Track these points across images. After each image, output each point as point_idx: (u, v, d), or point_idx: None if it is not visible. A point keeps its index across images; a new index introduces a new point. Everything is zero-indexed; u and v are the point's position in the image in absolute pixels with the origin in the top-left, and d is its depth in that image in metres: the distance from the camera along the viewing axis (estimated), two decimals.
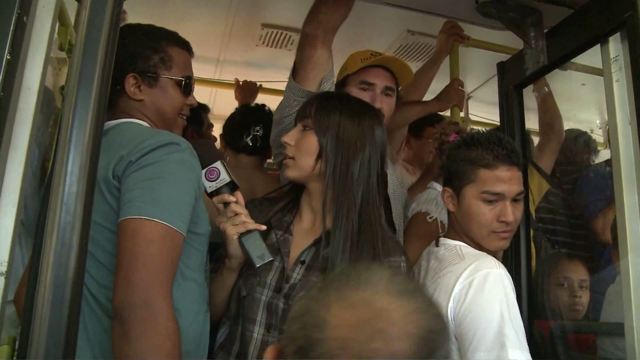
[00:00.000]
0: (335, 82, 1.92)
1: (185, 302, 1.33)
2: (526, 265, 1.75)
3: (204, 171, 1.39)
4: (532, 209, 2.41)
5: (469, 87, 3.56)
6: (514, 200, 1.53)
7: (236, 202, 1.40)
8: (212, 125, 3.06)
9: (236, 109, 2.73)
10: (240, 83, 3.30)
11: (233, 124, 2.56)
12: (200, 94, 3.37)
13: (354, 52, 2.07)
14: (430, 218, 1.94)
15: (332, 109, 1.54)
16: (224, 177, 1.40)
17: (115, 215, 1.22)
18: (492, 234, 1.52)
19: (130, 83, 1.41)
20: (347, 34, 2.09)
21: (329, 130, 1.50)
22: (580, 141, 2.74)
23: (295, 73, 1.77)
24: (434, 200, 1.93)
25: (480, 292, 1.37)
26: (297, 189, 1.61)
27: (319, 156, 1.49)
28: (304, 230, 1.55)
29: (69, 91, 0.84)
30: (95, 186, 1.24)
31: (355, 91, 1.94)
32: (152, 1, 2.67)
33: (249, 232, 1.37)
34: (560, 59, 1.62)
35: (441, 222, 1.88)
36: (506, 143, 1.52)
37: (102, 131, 0.88)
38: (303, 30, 1.74)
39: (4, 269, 0.81)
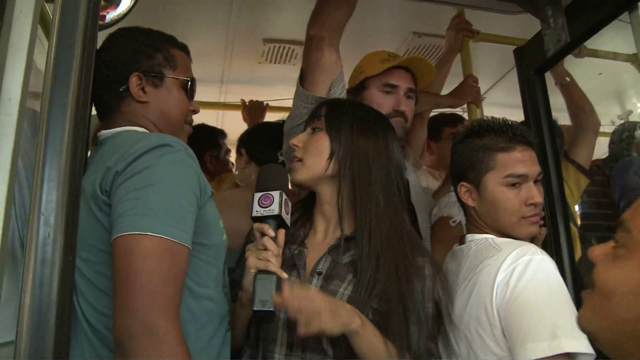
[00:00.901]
0: (346, 86, 1.83)
1: (197, 324, 1.21)
2: (570, 264, 1.61)
3: (259, 194, 1.30)
4: (571, 205, 2.29)
5: (482, 89, 3.47)
6: (536, 181, 1.44)
7: (271, 238, 1.28)
8: (229, 150, 2.99)
9: (263, 123, 2.62)
10: (247, 103, 3.23)
11: (261, 137, 2.40)
12: (207, 117, 3.31)
13: (369, 53, 1.99)
14: (454, 222, 1.83)
15: (344, 110, 1.49)
16: (273, 209, 1.28)
17: (108, 234, 1.10)
18: (523, 219, 1.42)
19: (134, 83, 1.32)
20: (352, 41, 2.03)
21: (342, 130, 1.43)
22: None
23: (303, 79, 1.69)
24: (456, 202, 1.81)
25: (524, 280, 1.26)
26: (308, 202, 1.53)
27: (330, 157, 1.41)
28: (318, 242, 1.46)
29: (44, 90, 0.74)
30: (85, 203, 1.17)
31: (377, 94, 1.86)
32: (148, 22, 2.60)
33: (267, 272, 1.25)
34: (584, 34, 1.50)
35: (467, 224, 1.76)
36: (516, 124, 1.46)
37: (84, 132, 0.78)
38: (307, 34, 1.66)
39: None
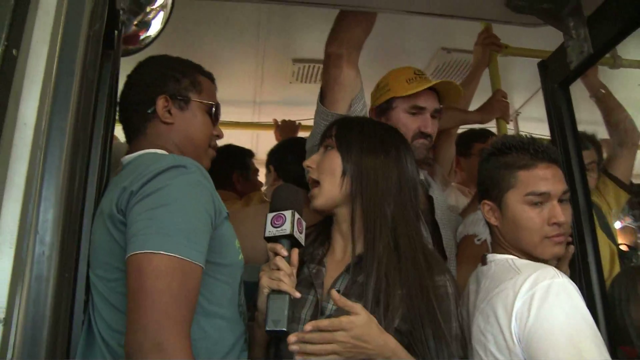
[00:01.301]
0: (367, 103, 1.83)
1: (209, 342, 1.21)
2: (598, 283, 1.54)
3: (271, 215, 1.29)
4: (610, 221, 2.20)
5: (516, 104, 3.40)
6: (560, 200, 1.39)
7: (284, 258, 1.27)
8: (257, 170, 3.02)
9: (291, 138, 2.64)
10: (279, 123, 3.28)
11: (288, 153, 2.38)
12: (242, 138, 3.36)
13: (395, 70, 1.97)
14: (479, 240, 1.78)
15: (353, 126, 1.50)
16: (285, 228, 1.27)
17: (123, 252, 1.12)
18: (545, 239, 1.37)
19: (161, 105, 1.37)
20: (380, 59, 2.07)
21: (352, 145, 1.43)
22: None
23: (323, 97, 1.71)
24: (482, 220, 1.77)
25: (544, 306, 1.21)
26: (328, 220, 1.52)
27: (343, 174, 1.41)
28: (337, 261, 1.44)
29: (45, 113, 0.78)
30: (102, 222, 1.21)
31: (403, 115, 1.84)
32: (180, 47, 2.68)
33: (280, 292, 1.25)
34: (608, 44, 1.45)
35: (491, 243, 1.72)
36: (540, 142, 1.42)
37: (83, 151, 0.80)
38: (326, 52, 1.68)
39: (2, 315, 0.72)
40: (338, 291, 1.35)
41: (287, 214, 1.29)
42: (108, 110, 1.47)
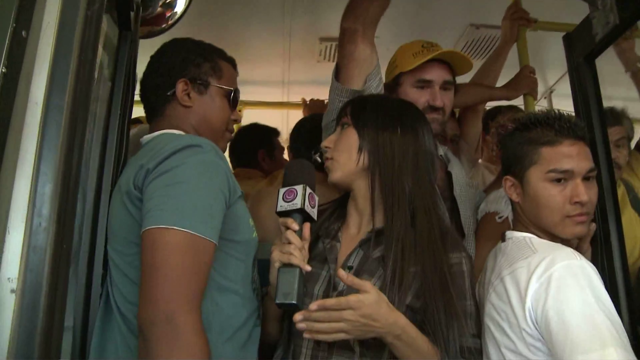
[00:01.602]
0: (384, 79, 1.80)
1: (221, 317, 1.24)
2: (621, 264, 1.49)
3: (283, 189, 1.31)
4: None
5: (550, 80, 3.29)
6: (586, 178, 1.35)
7: (295, 232, 1.28)
8: (283, 149, 3.04)
9: (304, 118, 2.64)
10: (308, 102, 3.27)
11: (299, 135, 2.43)
12: (272, 118, 3.39)
13: (403, 46, 1.94)
14: (500, 218, 1.74)
15: (368, 103, 1.50)
16: (296, 202, 1.28)
17: (139, 227, 1.17)
18: (566, 218, 1.34)
19: (180, 88, 1.40)
20: (410, 36, 2.00)
21: (368, 121, 1.43)
22: None
23: (337, 73, 1.69)
24: (504, 198, 1.73)
25: (562, 288, 1.19)
26: (345, 196, 1.53)
27: (360, 150, 1.41)
28: (351, 236, 1.45)
29: (44, 92, 0.80)
30: (120, 199, 1.25)
31: (411, 90, 1.82)
32: (207, 31, 2.70)
33: (291, 265, 1.26)
34: (635, 14, 1.38)
35: (512, 220, 1.68)
36: (567, 117, 1.37)
37: (82, 128, 0.83)
38: (341, 27, 1.66)
39: (14, 285, 0.76)
40: (350, 268, 1.37)
41: (299, 188, 1.30)
42: (125, 91, 1.50)
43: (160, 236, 1.11)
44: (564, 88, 3.24)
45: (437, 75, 1.81)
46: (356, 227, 1.45)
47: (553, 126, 1.37)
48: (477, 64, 2.19)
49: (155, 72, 1.44)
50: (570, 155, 1.34)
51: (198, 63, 1.43)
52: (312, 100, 3.26)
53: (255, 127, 2.83)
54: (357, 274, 1.35)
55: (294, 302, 1.21)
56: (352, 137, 1.43)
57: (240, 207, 1.31)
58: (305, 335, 1.18)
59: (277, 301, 1.23)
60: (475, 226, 1.84)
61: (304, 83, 3.45)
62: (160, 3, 2.10)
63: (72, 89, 0.80)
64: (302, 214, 1.30)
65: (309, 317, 1.17)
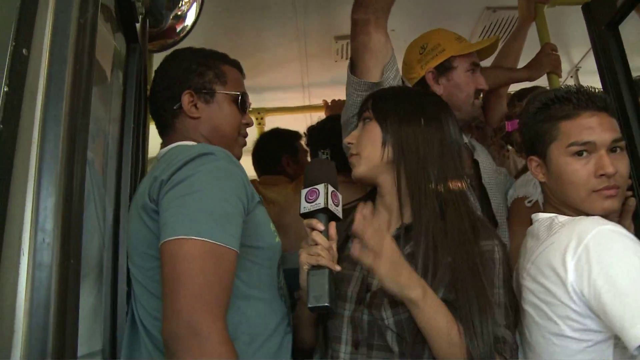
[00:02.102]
0: (425, 65, 1.83)
1: (249, 326, 1.22)
2: None
3: (305, 190, 1.28)
4: None
5: (575, 58, 3.18)
6: (612, 150, 1.29)
7: (321, 232, 1.24)
8: (306, 152, 3.01)
9: (322, 120, 2.60)
10: (329, 103, 3.24)
11: (313, 136, 2.41)
12: (295, 122, 3.37)
13: (435, 31, 1.93)
14: (530, 202, 1.68)
15: (389, 95, 1.47)
16: (319, 202, 1.24)
17: (157, 240, 1.15)
18: (593, 193, 1.27)
19: (186, 100, 1.39)
20: (426, 24, 1.98)
21: (390, 114, 1.40)
22: None
23: (353, 67, 1.66)
24: (532, 181, 1.67)
25: (603, 255, 1.14)
26: (372, 194, 1.49)
27: (384, 144, 1.37)
28: None
29: (41, 102, 0.79)
30: (137, 213, 1.24)
31: (465, 75, 1.82)
32: (221, 40, 2.70)
33: (320, 267, 1.22)
34: None
35: (542, 203, 1.61)
36: (586, 89, 1.33)
37: (83, 136, 0.82)
38: (352, 18, 1.62)
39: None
40: None
41: (320, 187, 1.26)
42: (138, 103, 1.50)
43: (178, 247, 1.09)
44: (592, 63, 3.14)
45: (478, 59, 1.86)
46: (385, 225, 1.40)
47: (571, 100, 1.32)
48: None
49: (160, 87, 1.43)
50: (591, 127, 1.28)
51: (201, 72, 1.42)
52: (333, 101, 3.23)
53: (276, 133, 2.81)
54: None
55: (327, 304, 1.17)
56: (375, 131, 1.39)
57: (260, 212, 1.29)
58: (355, 253, 1.15)
59: (309, 305, 1.19)
60: (507, 213, 1.78)
61: (323, 84, 3.41)
62: (171, 16, 2.11)
63: (69, 98, 0.79)
64: (326, 214, 1.26)
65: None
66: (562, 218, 1.29)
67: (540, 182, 1.40)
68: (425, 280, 1.22)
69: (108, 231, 1.29)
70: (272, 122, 3.39)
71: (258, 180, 2.69)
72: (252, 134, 2.96)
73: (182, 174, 1.16)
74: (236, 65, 1.50)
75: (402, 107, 1.41)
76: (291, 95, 3.52)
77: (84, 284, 1.24)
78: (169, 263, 1.09)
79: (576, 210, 1.30)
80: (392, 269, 1.15)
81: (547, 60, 2.18)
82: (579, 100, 1.31)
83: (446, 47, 1.84)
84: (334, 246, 1.26)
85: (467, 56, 1.82)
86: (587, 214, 1.27)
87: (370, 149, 1.39)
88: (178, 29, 2.15)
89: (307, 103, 3.67)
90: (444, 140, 1.38)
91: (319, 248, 1.22)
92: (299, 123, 3.69)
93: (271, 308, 1.28)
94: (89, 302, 1.21)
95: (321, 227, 1.25)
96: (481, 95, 1.83)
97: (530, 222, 1.40)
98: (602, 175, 1.26)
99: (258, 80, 3.09)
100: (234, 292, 1.15)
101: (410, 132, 1.36)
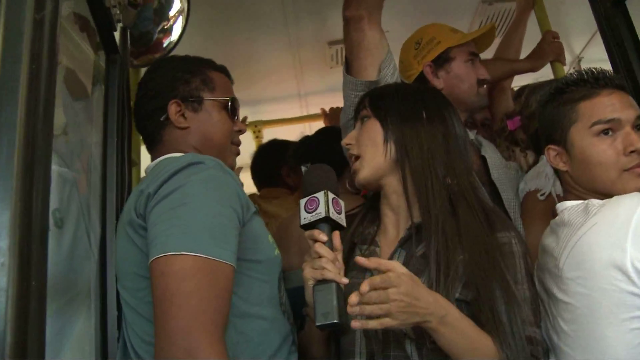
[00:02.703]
0: (422, 60, 1.80)
1: (249, 346, 1.12)
2: None
3: (304, 200, 1.18)
4: None
5: (576, 48, 3.11)
6: (637, 127, 1.21)
7: (324, 243, 1.15)
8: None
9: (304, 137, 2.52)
10: (327, 112, 3.17)
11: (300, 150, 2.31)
12: (294, 133, 3.30)
13: (430, 25, 1.90)
14: (542, 195, 1.59)
15: (386, 92, 1.40)
16: (320, 212, 1.15)
17: (146, 259, 1.06)
18: (625, 173, 1.19)
19: (173, 110, 1.31)
20: (421, 20, 1.94)
21: (389, 110, 1.33)
22: None
23: (349, 67, 1.58)
24: (543, 172, 1.58)
25: None
26: (375, 196, 1.41)
27: (385, 141, 1.29)
28: (390, 238, 1.32)
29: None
30: (123, 231, 1.15)
31: (464, 65, 1.78)
32: (211, 50, 2.63)
33: (326, 281, 1.12)
34: None
35: (557, 195, 1.52)
36: (601, 69, 1.26)
37: (45, 144, 0.73)
38: (344, 15, 1.55)
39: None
40: None
41: (320, 195, 1.16)
42: (121, 116, 1.42)
43: (170, 264, 1.00)
44: (595, 52, 3.07)
45: (476, 48, 1.82)
46: (394, 227, 1.32)
47: (587, 80, 1.25)
48: (495, 41, 2.07)
49: (144, 99, 1.35)
50: (613, 104, 1.21)
51: (186, 80, 1.34)
52: (331, 109, 3.16)
53: (274, 144, 2.74)
54: None
55: (335, 321, 1.08)
56: (374, 129, 1.32)
57: (256, 223, 1.20)
58: (355, 325, 1.04)
59: (318, 323, 1.09)
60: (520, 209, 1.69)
61: (320, 92, 3.35)
62: (158, 30, 2.05)
63: (25, 102, 0.70)
64: (328, 223, 1.16)
65: (362, 299, 1.04)
66: (596, 200, 1.18)
67: (561, 172, 1.31)
68: (438, 279, 1.14)
69: (94, 252, 1.20)
70: (270, 134, 3.32)
71: (258, 194, 2.61)
72: (251, 148, 2.89)
73: (171, 186, 1.07)
74: (223, 70, 1.42)
75: (402, 103, 1.34)
76: (288, 105, 3.47)
77: (78, 310, 1.15)
78: (160, 282, 1.00)
79: (606, 194, 1.20)
80: (407, 317, 1.05)
81: (550, 48, 2.13)
82: (596, 79, 1.24)
83: (441, 39, 1.79)
84: (340, 257, 1.17)
85: (464, 46, 1.78)
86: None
87: (371, 148, 1.31)
88: (165, 43, 2.09)
89: (304, 113, 3.62)
90: (448, 134, 1.31)
91: (324, 261, 1.13)
92: (298, 134, 3.63)
93: (273, 326, 1.18)
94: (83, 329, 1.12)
95: (324, 237, 1.15)
96: (485, 86, 1.78)
97: (553, 214, 1.30)
98: (632, 152, 1.18)
99: (253, 92, 3.04)
100: (231, 311, 1.05)
101: (412, 127, 1.29)
